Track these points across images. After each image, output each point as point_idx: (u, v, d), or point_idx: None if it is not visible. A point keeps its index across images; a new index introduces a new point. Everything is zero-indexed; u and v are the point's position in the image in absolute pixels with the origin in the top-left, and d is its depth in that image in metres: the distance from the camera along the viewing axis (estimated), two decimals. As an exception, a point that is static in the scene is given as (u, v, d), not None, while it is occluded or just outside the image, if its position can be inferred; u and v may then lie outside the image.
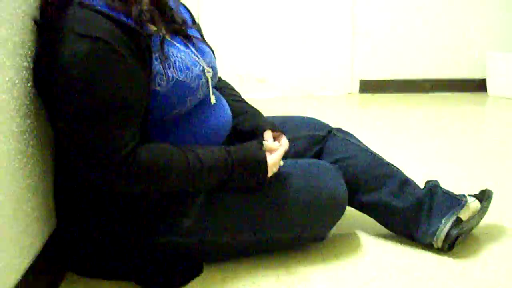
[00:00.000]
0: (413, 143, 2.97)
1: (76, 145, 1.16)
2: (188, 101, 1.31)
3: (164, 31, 1.31)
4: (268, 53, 4.55)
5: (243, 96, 1.69)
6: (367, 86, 4.70)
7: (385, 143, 2.94)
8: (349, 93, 4.70)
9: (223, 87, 1.67)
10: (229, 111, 1.50)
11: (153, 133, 1.29)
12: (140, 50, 1.20)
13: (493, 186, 1.75)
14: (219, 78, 1.68)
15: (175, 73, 1.27)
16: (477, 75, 4.76)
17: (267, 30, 4.51)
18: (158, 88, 1.24)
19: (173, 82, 1.26)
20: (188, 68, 1.31)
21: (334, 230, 1.54)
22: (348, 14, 4.59)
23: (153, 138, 1.28)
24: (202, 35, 1.55)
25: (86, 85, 1.12)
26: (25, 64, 1.18)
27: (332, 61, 4.65)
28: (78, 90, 1.12)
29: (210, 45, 1.54)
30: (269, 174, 1.36)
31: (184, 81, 1.29)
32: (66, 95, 1.13)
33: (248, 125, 1.53)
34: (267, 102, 4.28)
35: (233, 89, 1.71)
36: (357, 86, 4.70)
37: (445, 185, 1.62)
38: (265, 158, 1.35)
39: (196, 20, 1.60)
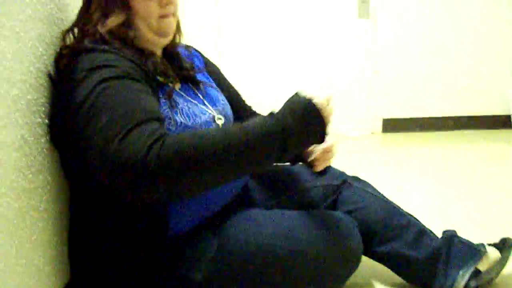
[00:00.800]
0: (436, 185, 2.93)
1: (101, 158, 1.05)
2: None
3: (172, 84, 1.33)
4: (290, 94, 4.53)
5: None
6: (390, 125, 4.68)
7: (408, 185, 2.91)
8: (372, 133, 4.68)
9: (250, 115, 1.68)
10: None
11: None
12: (149, 83, 1.22)
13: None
14: (250, 109, 1.72)
15: (183, 119, 1.28)
16: (501, 111, 4.71)
17: (289, 71, 4.53)
18: (171, 128, 1.25)
19: (181, 127, 1.27)
20: (196, 115, 1.33)
21: (348, 280, 1.51)
22: (369, 53, 4.60)
23: None
24: (219, 75, 1.59)
25: (104, 107, 1.09)
26: (39, 120, 1.20)
27: (354, 101, 4.64)
28: (98, 111, 1.08)
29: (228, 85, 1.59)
30: (326, 115, 1.21)
31: (194, 127, 1.30)
32: (88, 121, 1.09)
33: None
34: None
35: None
36: (380, 125, 4.68)
37: (466, 232, 1.59)
38: (309, 97, 1.21)
39: (216, 61, 1.64)
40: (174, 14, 1.37)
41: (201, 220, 1.36)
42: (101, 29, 1.26)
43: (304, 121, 1.17)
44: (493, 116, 4.74)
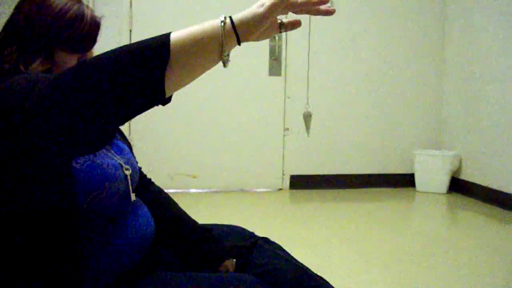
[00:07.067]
0: (342, 242, 2.94)
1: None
2: (106, 186, 1.24)
3: None
4: (200, 149, 4.51)
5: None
6: (298, 182, 4.71)
7: (316, 242, 2.91)
8: (280, 189, 4.69)
9: (158, 191, 1.63)
10: (149, 215, 1.43)
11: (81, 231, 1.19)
12: None
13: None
14: (151, 182, 1.66)
15: (90, 157, 1.22)
16: (405, 171, 4.88)
17: (200, 126, 4.49)
18: (76, 165, 1.18)
19: (88, 162, 1.21)
20: (104, 156, 1.27)
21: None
22: (280, 112, 4.66)
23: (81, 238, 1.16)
24: (125, 136, 1.52)
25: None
26: None
27: (264, 158, 4.65)
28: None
29: (129, 140, 1.51)
30: None
31: (101, 165, 1.24)
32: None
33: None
34: (199, 197, 4.21)
35: (170, 198, 1.66)
36: (287, 182, 4.71)
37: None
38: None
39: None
40: None
41: (112, 277, 1.27)
42: (25, 71, 1.20)
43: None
44: (398, 175, 4.89)
